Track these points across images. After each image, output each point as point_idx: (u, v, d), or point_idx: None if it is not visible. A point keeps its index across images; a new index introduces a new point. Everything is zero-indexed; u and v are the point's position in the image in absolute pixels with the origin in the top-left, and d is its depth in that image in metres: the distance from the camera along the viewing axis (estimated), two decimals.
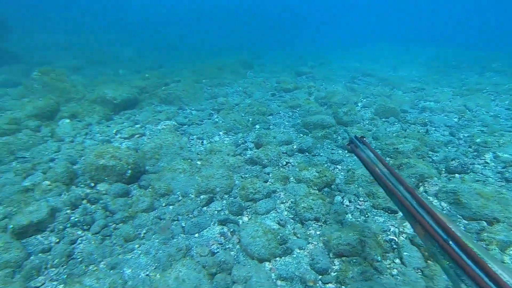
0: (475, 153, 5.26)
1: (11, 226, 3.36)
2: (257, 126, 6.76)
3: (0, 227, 3.49)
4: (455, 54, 18.35)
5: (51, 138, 6.01)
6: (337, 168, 5.00)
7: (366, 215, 3.81)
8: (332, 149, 5.64)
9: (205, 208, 4.03)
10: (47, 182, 4.26)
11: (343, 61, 16.97)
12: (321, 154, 5.42)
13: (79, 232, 3.56)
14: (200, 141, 6.08)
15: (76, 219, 3.72)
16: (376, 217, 3.78)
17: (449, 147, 5.57)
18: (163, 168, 4.81)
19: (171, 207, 4.06)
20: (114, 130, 6.37)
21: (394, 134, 6.25)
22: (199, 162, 5.09)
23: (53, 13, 27.44)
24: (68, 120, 6.66)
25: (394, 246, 3.33)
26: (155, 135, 6.24)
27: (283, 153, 5.43)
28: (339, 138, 6.04)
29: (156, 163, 5.13)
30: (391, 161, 5.00)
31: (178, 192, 4.31)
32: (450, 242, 1.64)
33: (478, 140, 5.54)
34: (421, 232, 1.83)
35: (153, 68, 13.50)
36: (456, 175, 4.59)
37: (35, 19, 23.47)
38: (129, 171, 4.40)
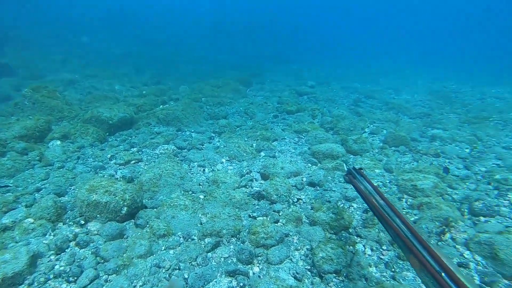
0: (496, 191, 4.90)
1: None
2: (262, 154, 6.34)
3: None
4: (451, 78, 18.34)
5: (39, 162, 5.51)
6: (353, 206, 4.57)
7: (393, 269, 3.37)
8: (345, 183, 5.23)
9: (210, 254, 3.55)
10: (30, 220, 3.75)
11: (343, 81, 16.83)
12: (333, 189, 5.00)
13: (64, 286, 3.05)
14: (202, 169, 5.65)
15: (62, 268, 3.21)
16: (405, 272, 3.34)
17: (467, 183, 5.20)
18: (162, 202, 4.33)
19: (171, 251, 3.57)
20: (109, 155, 5.90)
21: (406, 166, 5.89)
22: (201, 196, 4.63)
23: (53, 25, 27.04)
24: (59, 142, 6.18)
25: None
26: (153, 161, 5.80)
27: (292, 186, 5.01)
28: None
29: (154, 195, 4.66)
30: (409, 200, 4.61)
31: (180, 233, 3.84)
32: (443, 274, 1.68)
33: (498, 177, 5.18)
34: (416, 264, 1.85)
35: (150, 84, 13.12)
36: (481, 218, 4.20)
37: (33, 30, 23.03)
38: (125, 208, 3.92)
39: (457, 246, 3.65)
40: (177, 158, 5.96)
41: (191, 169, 5.65)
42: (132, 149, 6.35)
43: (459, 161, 6.13)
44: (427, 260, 1.80)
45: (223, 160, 6.01)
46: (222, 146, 6.67)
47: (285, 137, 7.32)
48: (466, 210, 4.37)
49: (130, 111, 7.76)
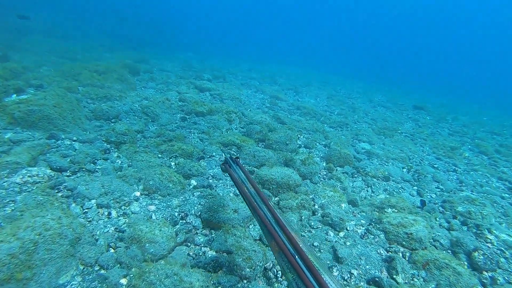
0: (466, 227, 4.52)
1: None
2: (193, 182, 4.53)
3: None
4: (339, 81, 19.70)
5: None
6: (353, 274, 3.35)
7: None
8: (323, 230, 3.97)
9: None
10: None
11: (238, 76, 15.96)
12: (315, 244, 3.69)
13: None
14: (106, 213, 3.55)
15: None
16: None
17: (437, 218, 4.68)
18: None
19: None
20: None
21: (362, 193, 5.09)
22: (124, 281, 2.66)
23: None
24: None
25: None
26: (12, 201, 3.35)
27: (256, 240, 3.49)
28: (316, 206, 4.45)
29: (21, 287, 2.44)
30: (407, 253, 3.69)
31: None
32: (297, 257, 1.69)
33: (460, 209, 4.85)
34: (275, 248, 1.84)
35: None
36: (485, 273, 3.60)
37: None
38: None
39: None
40: (59, 194, 3.64)
41: (85, 212, 3.49)
42: None
43: (407, 185, 5.71)
44: (285, 244, 1.80)
45: (137, 194, 4.00)
46: (125, 166, 4.61)
47: (213, 153, 5.63)
48: (465, 263, 3.71)
49: None
